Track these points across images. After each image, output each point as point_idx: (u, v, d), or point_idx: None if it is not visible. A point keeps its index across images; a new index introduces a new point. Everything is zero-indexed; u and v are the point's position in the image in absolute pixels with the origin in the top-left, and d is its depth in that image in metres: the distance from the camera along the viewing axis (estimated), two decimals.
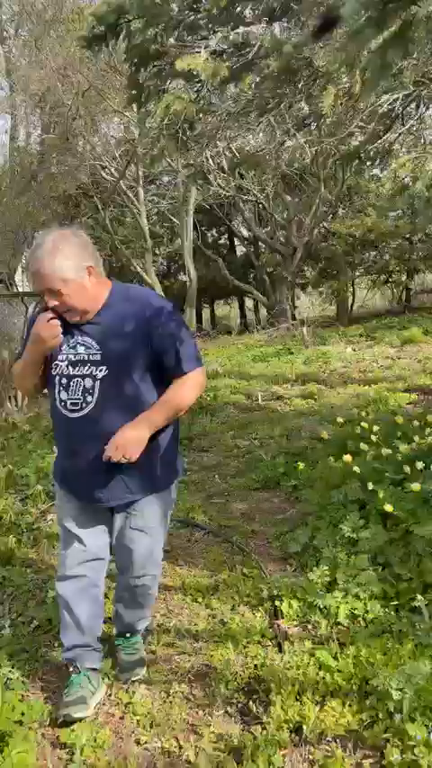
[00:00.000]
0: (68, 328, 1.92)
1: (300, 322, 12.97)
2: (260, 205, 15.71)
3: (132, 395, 1.90)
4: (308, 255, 15.34)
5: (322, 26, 2.30)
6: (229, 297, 22.49)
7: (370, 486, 3.08)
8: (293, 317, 14.83)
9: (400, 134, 5.05)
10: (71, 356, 1.92)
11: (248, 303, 21.86)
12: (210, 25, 2.87)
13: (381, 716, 1.90)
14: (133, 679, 2.28)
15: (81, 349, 1.92)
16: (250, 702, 2.07)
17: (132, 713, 2.11)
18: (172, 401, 1.92)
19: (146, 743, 1.98)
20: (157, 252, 17.20)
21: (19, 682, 2.30)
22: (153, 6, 2.67)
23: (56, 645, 2.51)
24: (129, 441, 1.85)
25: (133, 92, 3.22)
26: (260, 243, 17.53)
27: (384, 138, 5.01)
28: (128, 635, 2.36)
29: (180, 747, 1.94)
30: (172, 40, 2.88)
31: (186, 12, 2.86)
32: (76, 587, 2.10)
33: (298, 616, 2.57)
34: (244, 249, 19.62)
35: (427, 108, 4.99)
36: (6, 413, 7.49)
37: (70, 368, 1.92)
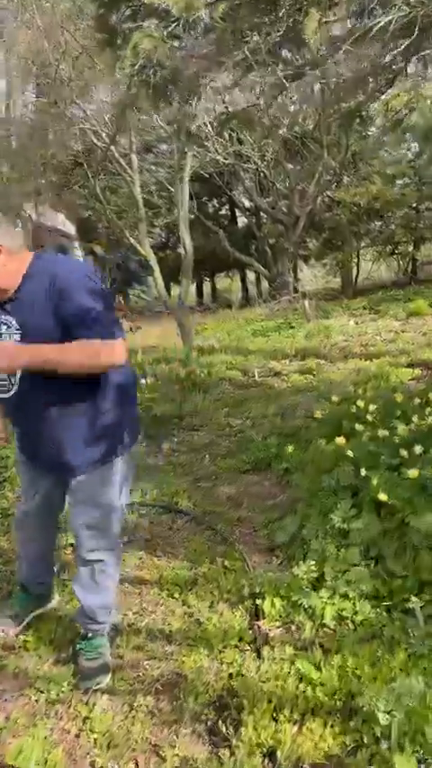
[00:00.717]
0: None
1: (302, 295, 12.60)
2: (261, 173, 15.20)
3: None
4: (311, 226, 14.88)
5: None
6: (231, 269, 22.06)
7: (363, 471, 2.82)
8: (295, 290, 14.45)
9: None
10: None
11: (250, 276, 21.45)
12: None
13: (366, 740, 1.67)
14: (95, 688, 2.07)
15: (3, 328, 1.88)
16: (220, 721, 1.85)
17: (90, 730, 1.90)
18: (56, 350, 1.79)
19: (101, 767, 1.76)
20: (156, 223, 16.75)
21: None
22: None
23: (20, 648, 2.30)
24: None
25: (104, 35, 2.87)
26: (262, 213, 17.06)
27: (386, 94, 4.63)
28: (89, 635, 2.17)
29: None
30: None
31: None
32: (26, 536, 2.33)
33: (281, 616, 2.34)
34: (245, 220, 19.13)
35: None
36: None
37: None
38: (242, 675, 2.06)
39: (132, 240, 9.93)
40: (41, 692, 2.07)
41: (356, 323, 10.11)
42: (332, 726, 1.75)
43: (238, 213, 20.16)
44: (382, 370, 6.06)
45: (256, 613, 2.40)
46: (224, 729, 1.81)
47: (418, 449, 2.87)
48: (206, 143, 11.16)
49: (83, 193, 12.67)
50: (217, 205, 20.45)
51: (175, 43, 2.65)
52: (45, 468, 2.12)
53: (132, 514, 3.46)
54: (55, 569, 2.54)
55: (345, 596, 2.31)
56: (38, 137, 10.35)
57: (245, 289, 20.98)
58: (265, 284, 17.80)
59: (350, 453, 3.02)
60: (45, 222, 13.26)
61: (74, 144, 10.13)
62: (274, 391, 6.14)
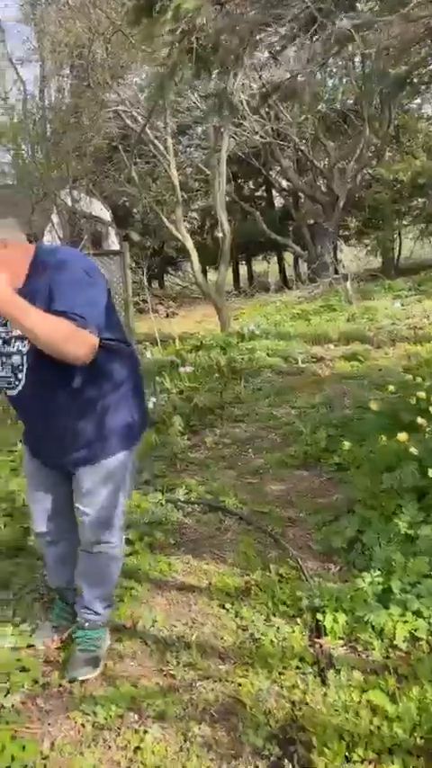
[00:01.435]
0: None
1: (342, 277, 12.19)
2: (299, 152, 14.72)
3: (58, 362, 1.75)
4: (351, 205, 14.38)
5: None
6: (267, 252, 21.64)
7: (430, 472, 2.57)
8: (335, 272, 14.02)
9: None
10: (3, 334, 1.87)
11: (287, 258, 20.99)
12: None
13: None
14: (80, 678, 2.06)
15: (9, 326, 1.85)
16: (285, 759, 1.66)
17: (141, 763, 1.73)
18: (45, 319, 1.68)
19: None
20: (192, 207, 16.49)
21: (14, 712, 1.95)
22: None
23: (60, 661, 2.16)
24: None
25: (141, 1, 2.64)
26: (299, 193, 16.58)
27: None
28: (86, 625, 2.15)
29: None
30: None
31: None
32: (43, 540, 2.22)
33: (345, 634, 2.14)
34: (282, 201, 18.67)
35: None
36: None
37: (3, 345, 1.87)
38: (306, 704, 1.86)
39: (169, 225, 9.71)
40: (87, 714, 1.92)
41: (402, 305, 9.70)
42: None
43: (274, 194, 19.69)
44: None
45: (317, 630, 2.20)
46: None
47: None
48: (243, 122, 10.81)
49: (119, 179, 12.49)
50: (253, 186, 20.02)
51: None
52: (50, 464, 2.08)
53: (177, 512, 3.30)
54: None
55: (418, 614, 2.08)
56: (73, 122, 10.19)
57: (282, 271, 20.55)
58: (303, 266, 17.36)
59: (414, 450, 2.77)
60: (81, 209, 13.16)
61: (109, 128, 9.93)
62: (319, 379, 5.87)
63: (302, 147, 14.07)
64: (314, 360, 6.78)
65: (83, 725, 1.89)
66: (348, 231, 16.92)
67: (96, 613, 2.15)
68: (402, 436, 2.83)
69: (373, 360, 6.32)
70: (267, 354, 7.11)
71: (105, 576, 2.16)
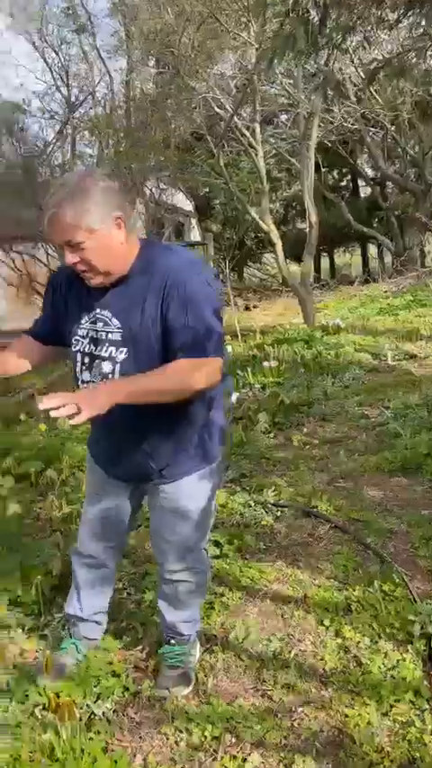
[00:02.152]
0: (87, 297, 1.63)
1: None
2: (390, 139, 14.10)
3: None
4: None
5: None
6: (351, 244, 21.00)
7: None
8: (422, 264, 13.36)
9: None
10: (92, 332, 1.63)
11: (371, 250, 20.29)
12: None
13: None
14: (173, 693, 1.90)
15: (99, 325, 1.62)
16: None
17: None
18: (151, 378, 1.53)
19: None
20: (275, 198, 16.21)
21: (104, 721, 1.86)
22: None
23: (149, 667, 2.06)
24: (85, 398, 1.44)
25: None
26: (388, 182, 15.91)
27: None
28: (172, 641, 2.00)
29: None
30: None
31: None
32: (84, 563, 1.99)
33: None
34: (368, 190, 18.01)
35: None
36: None
37: (92, 346, 1.63)
38: (425, 745, 1.66)
39: (254, 215, 9.52)
40: (181, 731, 1.80)
41: None
42: None
43: (360, 183, 19.05)
44: None
45: (431, 659, 1.98)
46: None
47: None
48: (333, 108, 10.43)
49: (204, 169, 12.41)
50: (337, 176, 19.46)
51: None
52: (123, 477, 1.85)
53: (266, 515, 3.14)
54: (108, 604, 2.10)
55: None
56: (159, 112, 10.19)
57: (365, 264, 19.88)
58: (388, 258, 16.70)
59: None
60: (164, 200, 13.22)
61: (196, 117, 9.85)
62: (413, 378, 5.53)
63: (394, 134, 13.44)
64: (406, 357, 6.42)
65: (176, 742, 1.78)
66: None
67: (181, 634, 2.00)
68: None
69: None
70: (355, 349, 6.81)
71: (188, 603, 1.96)
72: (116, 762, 1.70)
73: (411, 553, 2.70)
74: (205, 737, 1.77)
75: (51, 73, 12.85)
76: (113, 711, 1.90)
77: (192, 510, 1.81)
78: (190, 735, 1.79)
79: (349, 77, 8.39)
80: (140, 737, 1.81)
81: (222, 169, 9.69)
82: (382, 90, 11.00)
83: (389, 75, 4.62)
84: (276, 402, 4.96)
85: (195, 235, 15.69)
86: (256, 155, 9.18)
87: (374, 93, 10.86)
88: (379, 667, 1.97)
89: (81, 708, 1.86)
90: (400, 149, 14.12)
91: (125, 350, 1.58)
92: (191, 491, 1.80)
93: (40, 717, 1.84)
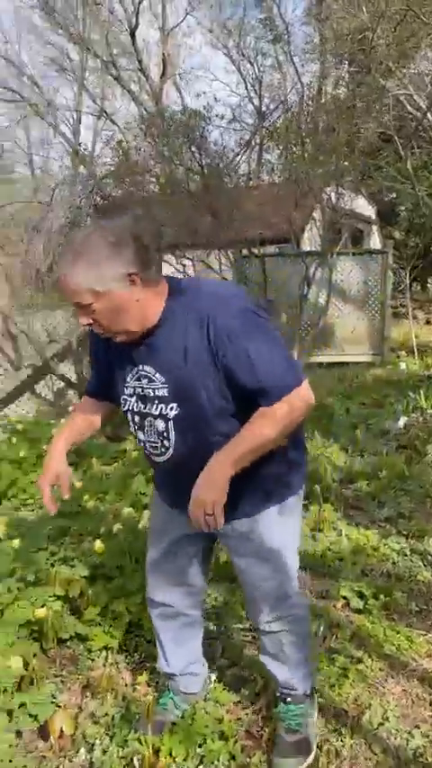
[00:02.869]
0: (127, 351, 1.52)
1: None
2: None
3: (217, 431, 1.48)
4: None
5: None
6: None
7: None
8: None
9: None
10: (138, 390, 1.53)
11: None
12: None
13: None
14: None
15: (144, 381, 1.51)
16: None
17: None
18: (247, 439, 1.43)
19: None
20: None
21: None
22: None
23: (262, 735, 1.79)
24: (205, 503, 1.41)
25: None
26: None
27: None
28: (288, 699, 1.78)
29: None
30: None
31: None
32: (160, 613, 1.83)
33: None
34: None
35: None
36: None
37: (140, 404, 1.53)
38: None
39: None
40: None
41: None
42: None
43: None
44: None
45: None
46: None
47: None
48: None
49: (390, 173, 11.73)
50: None
51: None
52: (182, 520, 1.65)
53: (425, 570, 2.70)
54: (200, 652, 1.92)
55: None
56: (347, 113, 9.83)
57: None
58: None
59: None
60: (342, 205, 12.75)
61: (385, 117, 9.31)
62: None
63: None
64: None
65: None
66: None
67: (294, 689, 1.78)
68: None
69: None
70: None
71: (292, 657, 1.75)
72: None
73: None
74: None
75: (245, 84, 13.11)
76: None
77: (274, 545, 1.63)
78: None
79: None
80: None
81: (410, 173, 9.03)
82: None
83: None
84: None
85: (375, 242, 14.98)
86: None
87: None
88: None
89: None
90: None
91: (175, 405, 1.48)
92: (270, 523, 1.62)
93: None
